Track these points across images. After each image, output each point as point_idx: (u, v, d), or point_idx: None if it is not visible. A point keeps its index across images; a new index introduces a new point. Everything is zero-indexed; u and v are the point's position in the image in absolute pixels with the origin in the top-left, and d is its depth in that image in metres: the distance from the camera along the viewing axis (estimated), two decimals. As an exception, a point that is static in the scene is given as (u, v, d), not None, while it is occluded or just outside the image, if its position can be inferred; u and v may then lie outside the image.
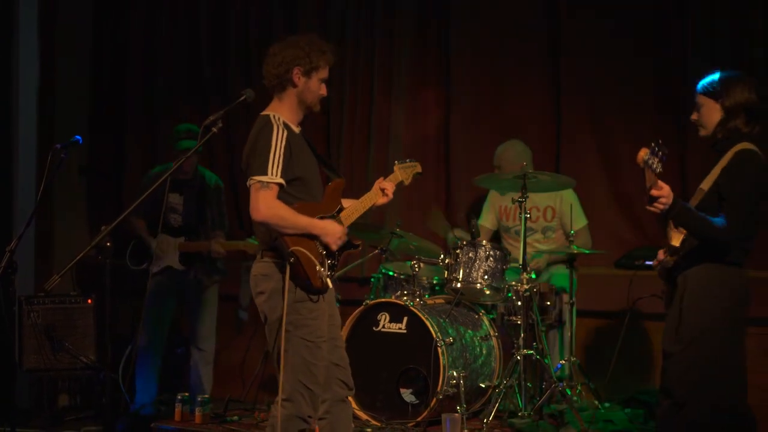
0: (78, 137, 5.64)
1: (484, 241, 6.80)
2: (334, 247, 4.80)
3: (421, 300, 6.85)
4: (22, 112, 8.95)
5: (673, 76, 7.51)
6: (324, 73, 4.87)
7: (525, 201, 6.63)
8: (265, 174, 4.64)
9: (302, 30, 8.76)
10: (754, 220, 4.59)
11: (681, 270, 4.64)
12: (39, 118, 9.02)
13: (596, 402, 6.81)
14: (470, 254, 6.74)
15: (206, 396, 7.08)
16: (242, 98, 4.85)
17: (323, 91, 4.90)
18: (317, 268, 4.69)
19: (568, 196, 7.36)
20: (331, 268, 4.83)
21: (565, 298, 6.99)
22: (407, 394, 6.58)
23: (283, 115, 4.85)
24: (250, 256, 8.91)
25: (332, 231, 4.79)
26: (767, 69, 7.17)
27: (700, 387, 4.53)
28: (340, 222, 4.91)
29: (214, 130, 4.67)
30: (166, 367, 7.61)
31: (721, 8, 7.36)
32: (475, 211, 7.82)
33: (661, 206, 4.44)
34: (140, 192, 7.26)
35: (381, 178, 5.24)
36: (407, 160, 5.40)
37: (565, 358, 6.93)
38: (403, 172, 5.34)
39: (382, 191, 5.16)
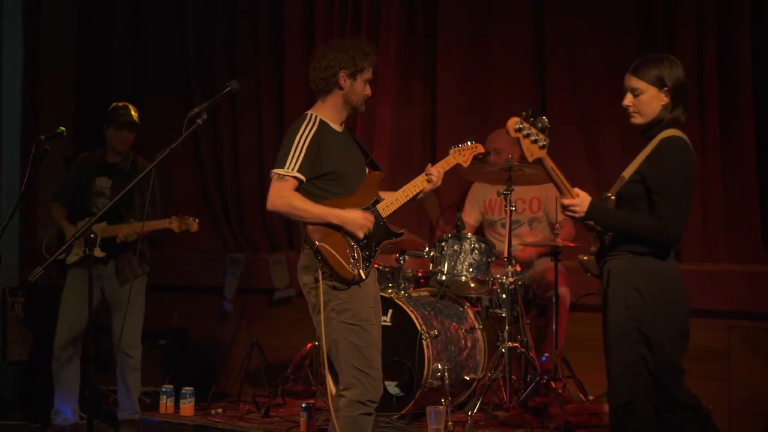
0: (62, 128, 5.61)
1: (469, 234, 6.81)
2: (360, 235, 4.82)
3: (405, 292, 6.86)
4: (5, 103, 8.92)
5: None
6: (368, 75, 4.97)
7: (510, 194, 6.63)
8: (283, 167, 4.77)
9: (288, 21, 8.79)
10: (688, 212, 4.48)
11: (604, 260, 4.55)
12: (23, 109, 8.99)
13: (581, 395, 6.81)
14: (455, 247, 6.75)
15: (190, 388, 7.07)
16: (227, 90, 4.85)
17: (368, 91, 5.01)
18: (341, 262, 4.73)
19: (553, 188, 7.36)
20: (367, 259, 4.85)
21: (550, 291, 6.99)
22: (392, 387, 6.59)
23: (324, 114, 4.95)
24: (222, 245, 8.94)
25: (352, 219, 4.82)
26: (753, 52, 7.17)
27: (638, 386, 4.42)
28: (375, 214, 4.94)
29: (199, 122, 4.67)
30: (150, 360, 7.56)
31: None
32: (461, 203, 7.81)
33: (575, 214, 4.44)
34: (67, 178, 7.09)
35: (429, 164, 5.23)
36: (468, 143, 5.37)
37: (550, 351, 6.93)
38: (460, 155, 5.32)
39: (428, 177, 5.13)
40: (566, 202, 4.44)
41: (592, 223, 4.53)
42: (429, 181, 5.11)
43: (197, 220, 6.74)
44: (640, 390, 4.42)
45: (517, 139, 4.38)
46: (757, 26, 7.15)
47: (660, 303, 4.42)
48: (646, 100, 4.50)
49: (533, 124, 4.38)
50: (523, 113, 4.37)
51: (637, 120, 4.55)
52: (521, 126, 4.36)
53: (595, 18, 7.73)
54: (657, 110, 4.50)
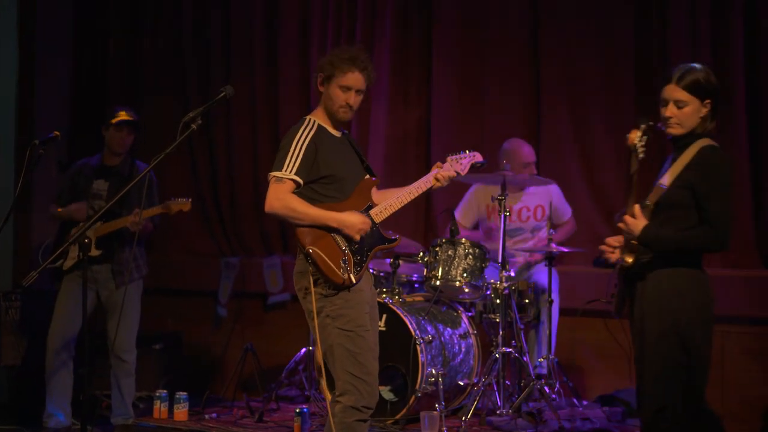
0: (57, 132, 5.60)
1: (463, 239, 6.81)
2: (357, 238, 4.80)
3: (400, 297, 6.86)
4: (0, 105, 8.91)
5: (654, 67, 7.50)
6: (344, 81, 4.84)
7: (505, 198, 6.65)
8: (280, 170, 4.76)
9: (283, 25, 8.79)
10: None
11: (642, 273, 4.51)
12: (18, 113, 8.98)
13: (575, 400, 6.81)
14: (449, 252, 6.75)
15: (184, 393, 7.06)
16: (222, 95, 4.82)
17: (350, 100, 4.87)
18: (332, 266, 4.72)
19: (554, 190, 7.39)
20: (358, 264, 4.82)
21: (544, 295, 7.00)
22: (386, 392, 6.58)
23: (321, 119, 4.93)
24: (202, 248, 8.94)
25: (351, 222, 4.79)
26: (749, 56, 7.19)
27: (675, 391, 4.41)
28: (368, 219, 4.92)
29: (194, 126, 4.64)
30: (144, 365, 7.51)
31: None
32: (455, 206, 7.79)
33: (629, 233, 4.44)
34: (65, 183, 7.04)
35: (439, 164, 5.16)
36: (466, 151, 5.25)
37: (544, 356, 6.94)
38: (457, 163, 5.19)
39: (437, 177, 5.07)
40: (628, 221, 4.43)
41: (634, 242, 4.50)
42: (437, 179, 5.08)
43: (190, 200, 6.66)
44: (676, 395, 4.42)
45: (631, 151, 4.41)
46: (752, 25, 7.18)
47: (700, 309, 4.44)
48: (689, 112, 4.47)
49: (645, 138, 4.40)
50: (643, 126, 4.39)
51: (677, 131, 4.50)
52: (639, 141, 4.40)
53: (590, 22, 7.75)
54: (697, 122, 4.48)
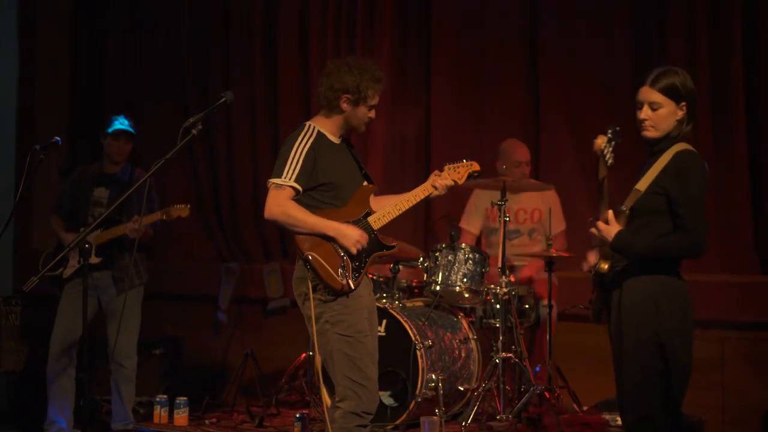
0: (57, 138, 5.60)
1: (463, 244, 6.82)
2: (353, 251, 4.80)
3: (399, 303, 6.86)
4: (1, 110, 8.93)
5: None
6: (374, 101, 4.95)
7: (505, 204, 6.65)
8: (280, 177, 4.78)
9: (282, 32, 8.79)
10: None
11: (618, 280, 4.46)
12: (18, 120, 9.00)
13: (575, 405, 6.81)
14: (449, 257, 6.75)
15: (184, 398, 7.06)
16: (222, 100, 4.83)
17: (371, 114, 4.99)
18: (331, 272, 4.73)
19: (552, 198, 7.39)
20: (357, 270, 4.83)
21: (543, 300, 7.00)
22: (386, 397, 6.58)
23: (322, 127, 4.94)
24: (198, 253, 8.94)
25: (348, 234, 4.81)
26: (749, 56, 7.20)
27: (655, 400, 4.36)
28: (366, 226, 4.92)
29: (194, 132, 4.65)
30: (144, 370, 7.51)
31: (700, 4, 7.39)
32: (455, 213, 7.81)
33: (602, 239, 4.41)
34: (65, 190, 7.06)
35: (437, 171, 5.18)
36: (463, 160, 5.26)
37: (544, 362, 6.93)
38: (455, 172, 5.20)
39: (434, 185, 5.10)
40: (601, 227, 4.40)
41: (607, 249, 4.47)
42: (435, 187, 5.10)
43: (188, 206, 6.65)
44: (657, 403, 4.37)
45: (597, 157, 4.36)
46: (750, 24, 7.18)
47: (678, 317, 4.36)
48: (664, 114, 4.42)
49: (612, 143, 4.37)
50: (610, 132, 4.34)
51: (652, 134, 4.45)
52: (605, 147, 4.34)
53: (589, 29, 7.75)
54: (672, 125, 4.43)
